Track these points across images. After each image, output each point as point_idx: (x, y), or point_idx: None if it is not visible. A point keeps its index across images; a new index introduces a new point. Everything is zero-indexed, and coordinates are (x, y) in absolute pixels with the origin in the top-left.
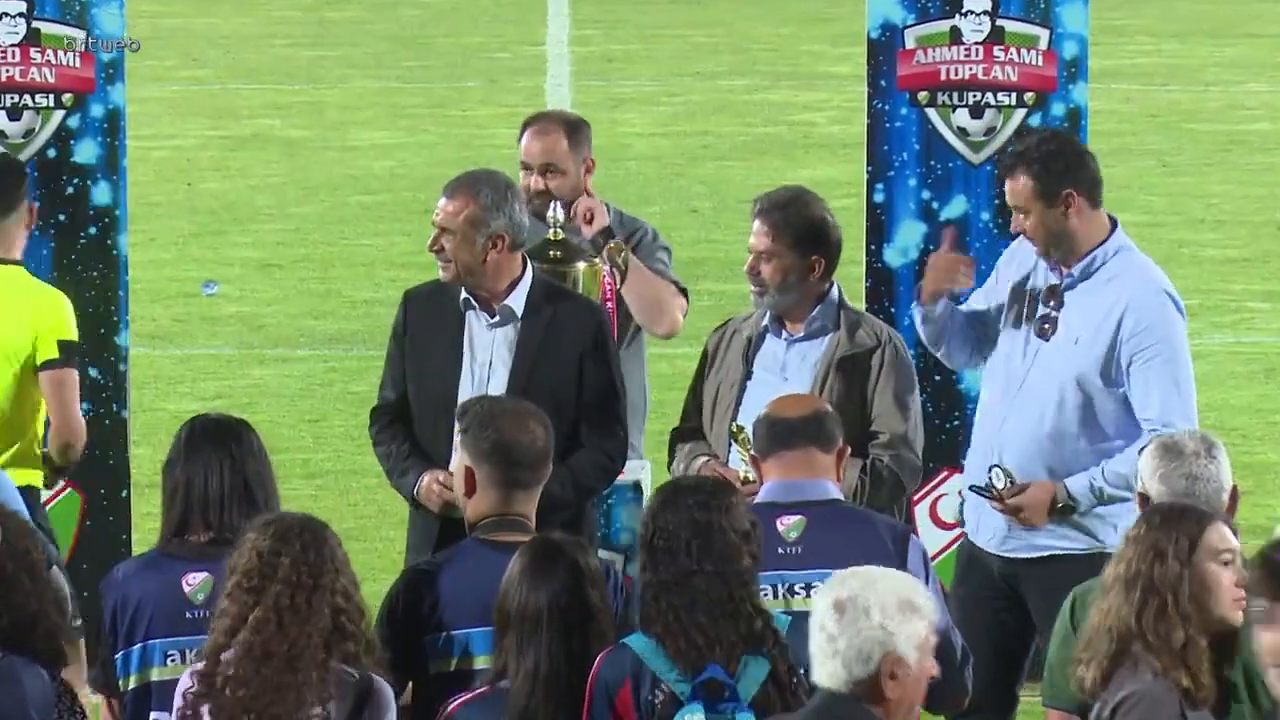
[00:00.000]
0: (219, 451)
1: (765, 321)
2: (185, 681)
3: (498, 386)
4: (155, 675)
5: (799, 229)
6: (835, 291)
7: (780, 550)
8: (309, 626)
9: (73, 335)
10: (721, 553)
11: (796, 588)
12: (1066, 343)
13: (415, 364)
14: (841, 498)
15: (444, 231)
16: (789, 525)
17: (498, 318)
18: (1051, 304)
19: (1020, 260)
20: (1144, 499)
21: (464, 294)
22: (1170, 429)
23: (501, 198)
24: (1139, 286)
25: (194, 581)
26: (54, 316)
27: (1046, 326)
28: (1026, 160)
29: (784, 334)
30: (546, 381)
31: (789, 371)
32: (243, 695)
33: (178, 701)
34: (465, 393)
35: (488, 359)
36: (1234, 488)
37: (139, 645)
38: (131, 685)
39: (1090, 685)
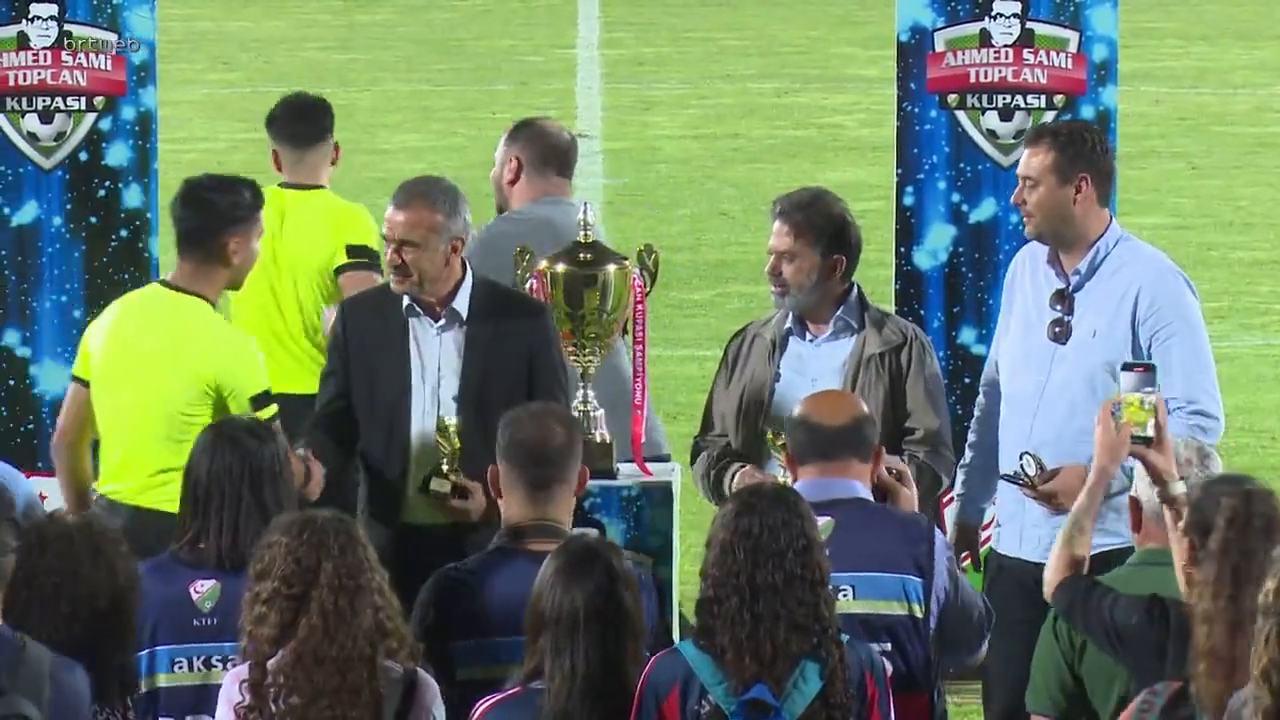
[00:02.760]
0: (239, 462)
1: (788, 324)
2: (233, 694)
3: (449, 391)
4: (163, 682)
5: (820, 228)
6: (856, 291)
7: None
8: (354, 629)
9: (370, 240)
10: (804, 560)
11: None
12: (1085, 338)
13: (361, 375)
14: (869, 497)
15: (405, 244)
16: (819, 527)
17: (443, 321)
18: (1060, 308)
19: (1019, 274)
20: (1135, 503)
21: (407, 300)
22: (1195, 404)
23: (456, 200)
24: (1148, 268)
25: (201, 589)
26: (351, 225)
27: (1059, 330)
28: (1054, 134)
29: (808, 335)
30: (499, 382)
31: (816, 372)
32: (296, 703)
33: (226, 715)
34: (417, 401)
35: (436, 365)
36: None
37: (147, 651)
38: (141, 690)
39: None
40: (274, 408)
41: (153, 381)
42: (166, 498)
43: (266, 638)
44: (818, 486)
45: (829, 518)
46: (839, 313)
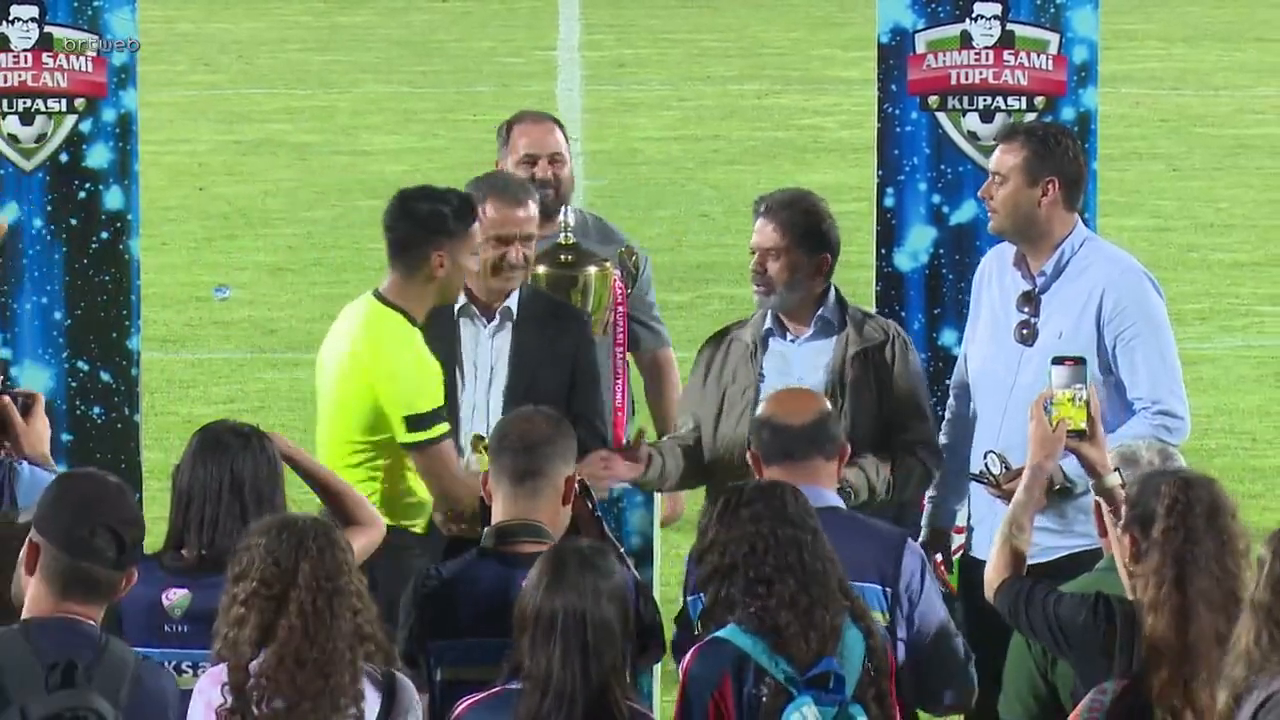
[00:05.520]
0: (220, 467)
1: (767, 324)
2: (213, 697)
3: (498, 391)
4: None
5: (805, 226)
6: (834, 291)
7: None
8: (334, 630)
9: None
10: (827, 544)
11: None
12: (1051, 340)
13: None
14: (840, 504)
15: (526, 239)
16: None
17: (495, 322)
18: (1027, 310)
19: (986, 276)
20: (1099, 506)
21: (462, 300)
22: (1160, 404)
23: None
24: (1112, 269)
25: (173, 597)
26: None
27: (1025, 332)
28: (1029, 133)
29: (789, 335)
30: (544, 384)
31: (802, 372)
32: (279, 706)
33: (206, 718)
34: (467, 401)
35: (488, 365)
36: None
37: None
38: None
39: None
40: (438, 429)
41: (335, 394)
42: None
43: (247, 640)
44: None
45: None
46: (820, 312)
